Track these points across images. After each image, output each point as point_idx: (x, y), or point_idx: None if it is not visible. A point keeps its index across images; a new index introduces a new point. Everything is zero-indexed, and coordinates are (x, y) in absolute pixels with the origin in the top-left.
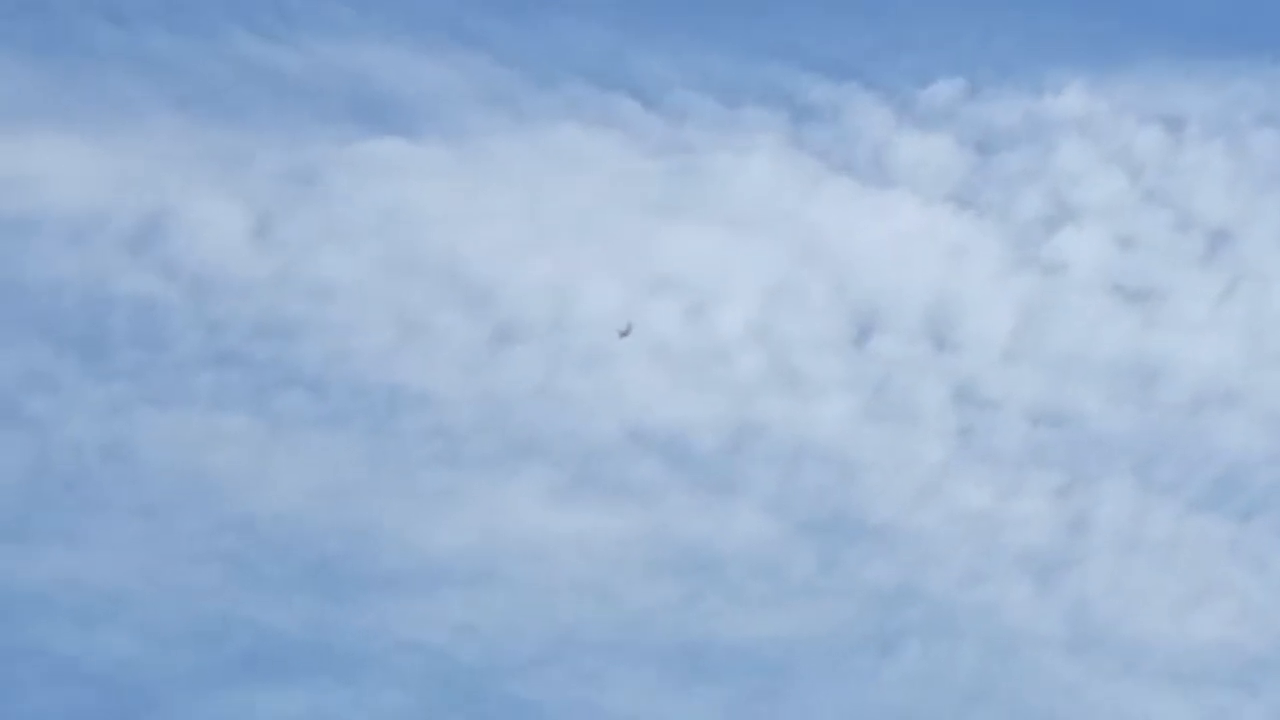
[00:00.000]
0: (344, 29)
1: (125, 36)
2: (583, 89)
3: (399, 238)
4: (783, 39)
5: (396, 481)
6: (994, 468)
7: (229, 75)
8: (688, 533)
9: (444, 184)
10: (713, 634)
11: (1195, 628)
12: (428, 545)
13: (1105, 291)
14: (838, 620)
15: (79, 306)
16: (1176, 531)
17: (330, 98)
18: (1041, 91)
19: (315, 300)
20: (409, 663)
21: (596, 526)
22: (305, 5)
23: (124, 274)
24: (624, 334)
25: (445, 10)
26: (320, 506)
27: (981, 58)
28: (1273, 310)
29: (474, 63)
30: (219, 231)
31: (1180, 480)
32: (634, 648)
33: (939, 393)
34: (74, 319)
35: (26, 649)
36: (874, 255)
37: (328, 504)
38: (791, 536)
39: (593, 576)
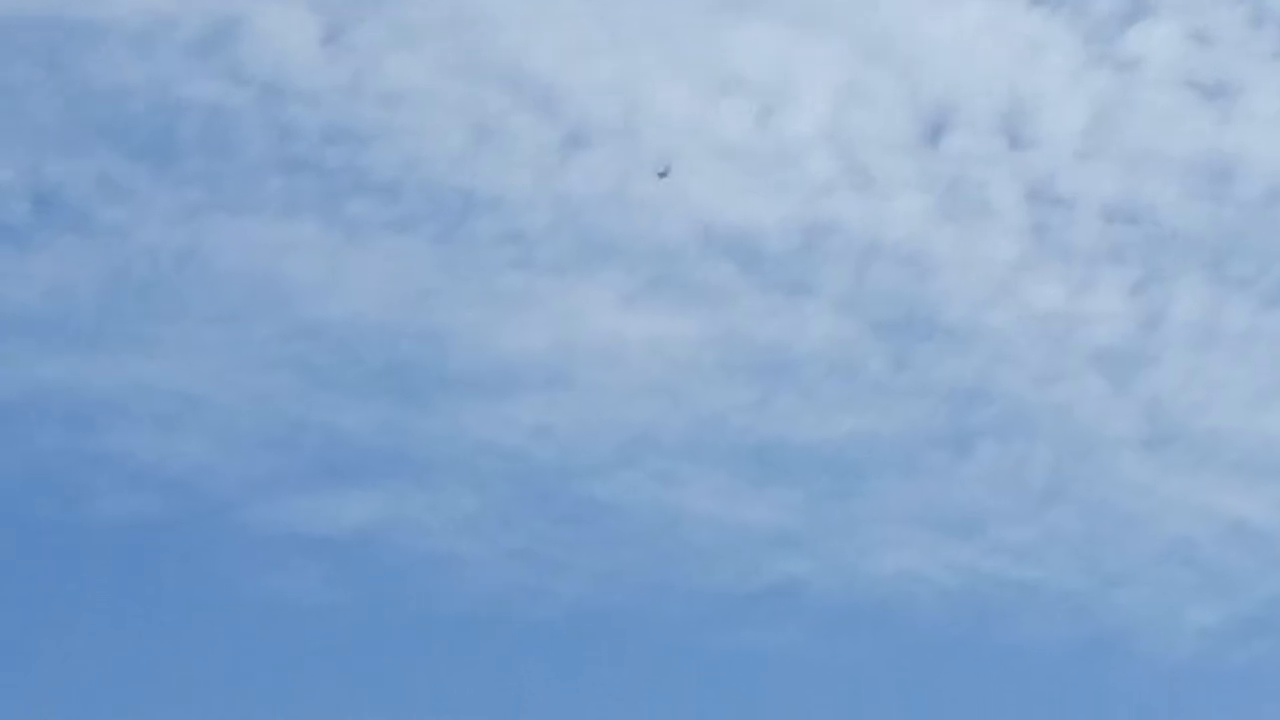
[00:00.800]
0: None
1: None
2: None
3: (468, 42)
4: None
5: (469, 286)
6: (1068, 265)
7: None
8: (760, 334)
9: None
10: (786, 434)
11: (1271, 422)
12: (501, 349)
13: (1180, 87)
14: (912, 420)
15: (148, 112)
16: (1251, 326)
17: None
18: None
19: (385, 106)
20: (484, 465)
21: (669, 329)
22: None
23: (193, 80)
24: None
25: None
26: (393, 311)
27: None
28: None
29: None
30: (288, 37)
31: (1255, 275)
32: (708, 449)
33: (1012, 191)
34: (143, 125)
35: (104, 455)
36: (945, 52)
37: (400, 309)
38: (864, 336)
39: (666, 379)
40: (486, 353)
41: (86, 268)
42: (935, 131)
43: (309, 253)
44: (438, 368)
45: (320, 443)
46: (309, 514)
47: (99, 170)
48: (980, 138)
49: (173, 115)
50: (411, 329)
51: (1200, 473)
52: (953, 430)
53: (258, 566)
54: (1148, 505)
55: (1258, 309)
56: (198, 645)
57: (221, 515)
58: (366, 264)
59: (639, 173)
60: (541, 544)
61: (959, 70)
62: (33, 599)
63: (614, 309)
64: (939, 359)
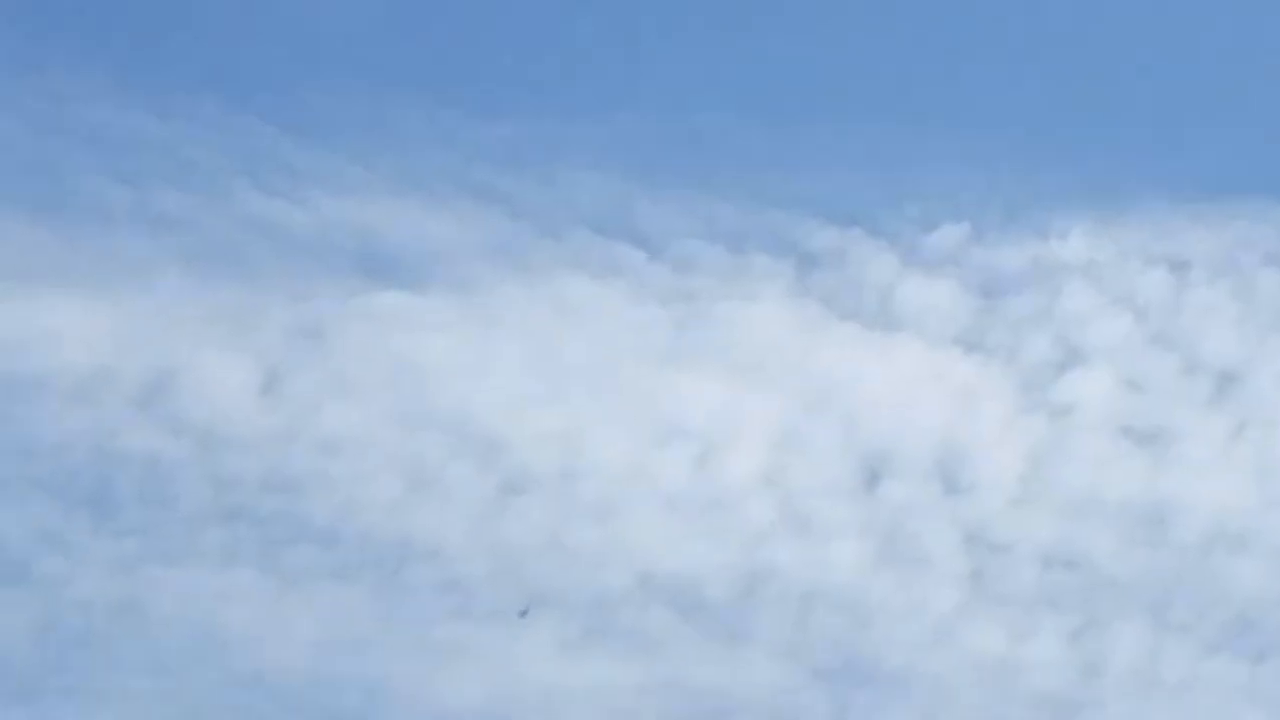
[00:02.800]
0: (350, 185)
1: (133, 195)
2: (589, 240)
3: (407, 391)
4: (787, 189)
5: (407, 635)
6: (1007, 611)
7: (236, 232)
8: (700, 681)
9: (451, 336)
10: None
11: None
12: (439, 699)
13: (1114, 434)
14: None
15: (87, 464)
16: (1191, 673)
17: (337, 253)
18: (1046, 236)
19: (323, 454)
20: None
21: (609, 677)
22: (312, 163)
23: (132, 431)
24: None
25: (450, 165)
26: (331, 661)
27: (985, 204)
28: None
29: (479, 216)
30: (227, 387)
31: (1193, 621)
32: None
33: (949, 537)
34: (82, 477)
35: None
36: (881, 400)
37: (339, 658)
38: (804, 683)
39: None
40: (424, 703)
41: (20, 619)
42: (872, 478)
43: (247, 602)
44: (376, 719)
45: None
46: None
47: (36, 522)
48: (917, 485)
49: (111, 467)
50: (350, 679)
51: None
52: None
53: None
54: None
55: (1197, 655)
56: None
57: None
58: (305, 613)
59: (577, 520)
60: None
61: (895, 418)
62: None
63: (553, 658)
64: (879, 705)
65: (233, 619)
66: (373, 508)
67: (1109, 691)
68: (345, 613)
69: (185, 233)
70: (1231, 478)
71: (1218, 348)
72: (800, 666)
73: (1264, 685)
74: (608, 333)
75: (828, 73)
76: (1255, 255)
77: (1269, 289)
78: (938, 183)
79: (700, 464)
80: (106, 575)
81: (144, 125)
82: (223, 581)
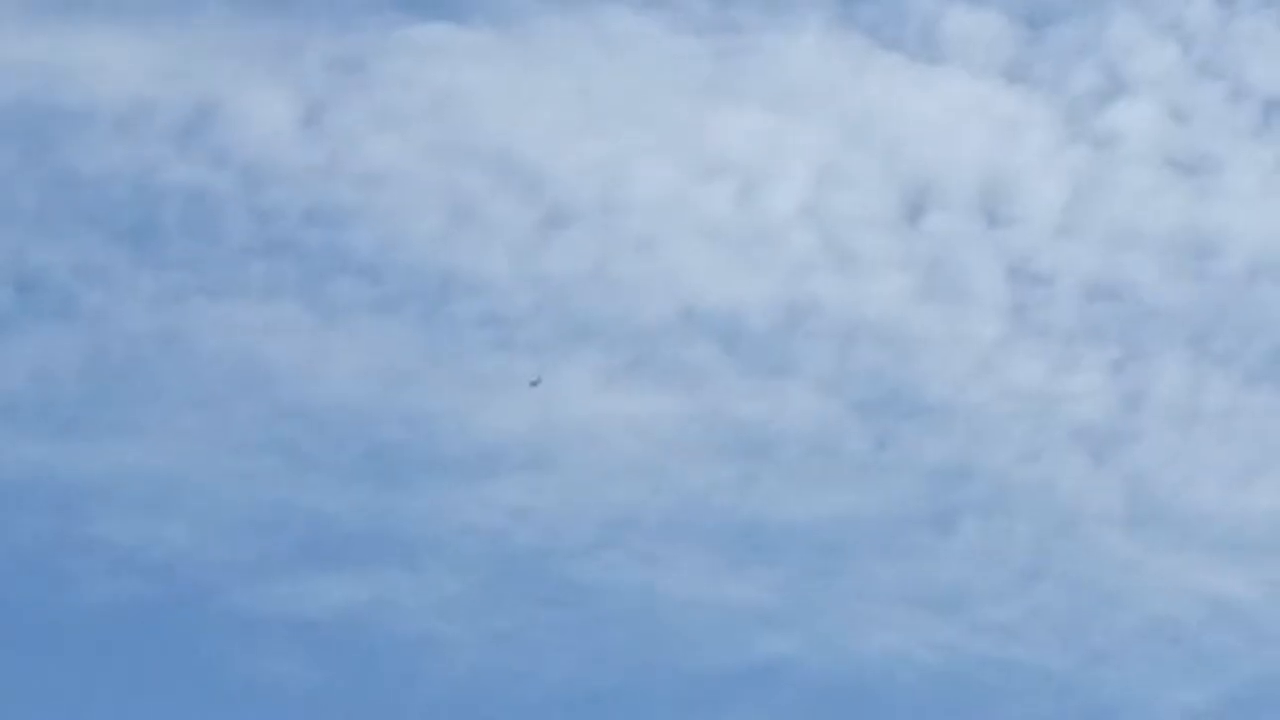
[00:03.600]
0: None
1: None
2: None
3: (448, 123)
4: None
5: (450, 367)
6: (1048, 343)
7: None
8: (742, 413)
9: (492, 68)
10: (769, 514)
11: (1253, 499)
12: (482, 431)
13: (1158, 164)
14: (894, 498)
15: (130, 197)
16: (1233, 403)
17: None
18: None
19: (366, 187)
20: (466, 547)
21: (651, 409)
22: None
23: (174, 164)
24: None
25: None
26: (375, 393)
27: None
28: None
29: None
30: (268, 120)
31: (1236, 352)
32: (690, 529)
33: (992, 269)
34: (125, 210)
35: (87, 540)
36: (925, 132)
37: (382, 390)
38: (846, 415)
39: (648, 459)
40: (467, 435)
41: (68, 352)
42: (915, 211)
43: (290, 335)
44: (419, 450)
45: (303, 526)
46: (292, 597)
47: (81, 255)
48: (960, 217)
49: (154, 200)
50: (393, 411)
51: (1183, 550)
52: (935, 509)
53: (241, 649)
54: (1130, 583)
55: (1239, 386)
56: None
57: (205, 599)
58: (348, 346)
59: (619, 253)
60: (524, 626)
61: (938, 150)
62: (15, 684)
63: (595, 389)
64: (920, 438)
65: (276, 351)
66: (415, 240)
67: (1149, 422)
68: (388, 345)
69: None
70: (1276, 207)
71: (1263, 76)
72: (841, 399)
73: None
74: (650, 64)
75: None
76: None
77: None
78: None
79: (742, 196)
80: (150, 308)
81: None
82: (266, 314)
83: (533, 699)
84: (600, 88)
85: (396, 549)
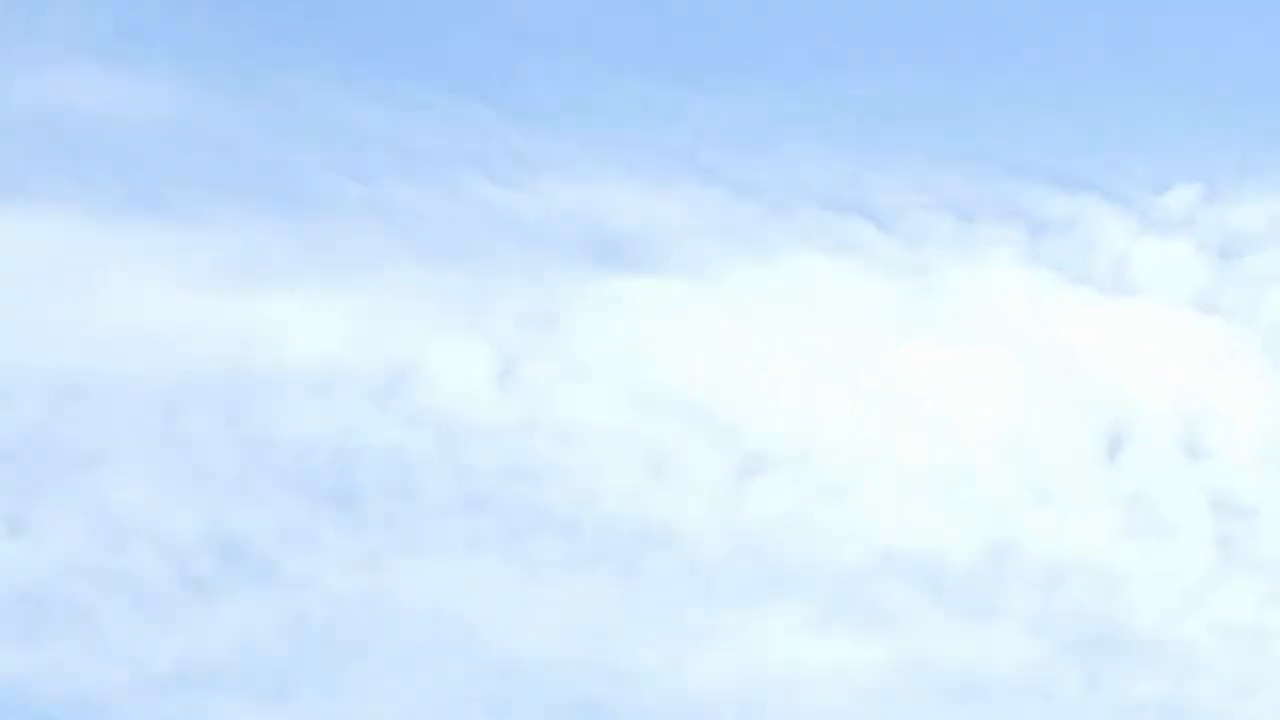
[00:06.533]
0: (579, 171)
1: (366, 190)
2: (819, 216)
3: (641, 374)
4: (1015, 155)
5: (651, 620)
6: (1257, 576)
7: (466, 221)
8: (948, 658)
9: (684, 318)
10: None
11: None
12: (685, 683)
13: None
14: None
15: (328, 459)
16: None
17: (568, 238)
18: None
19: (561, 442)
20: None
21: (854, 656)
22: (541, 150)
23: (372, 425)
24: None
25: (675, 144)
26: (577, 648)
27: (1218, 162)
28: None
29: (709, 196)
30: (464, 378)
31: None
32: None
33: (1195, 502)
34: (324, 472)
35: None
36: (1119, 365)
37: (584, 645)
38: (1054, 656)
39: (853, 708)
40: (670, 689)
41: (271, 617)
42: (1113, 445)
43: (491, 592)
44: (623, 705)
45: None
46: None
47: (281, 519)
48: (1159, 450)
49: (352, 461)
50: (596, 666)
51: None
52: None
53: None
54: None
55: None
56: None
57: None
58: (548, 601)
59: (816, 498)
60: None
61: (1133, 383)
62: None
63: (796, 638)
64: (1131, 676)
65: (477, 609)
66: (611, 494)
67: None
68: (588, 599)
69: (415, 224)
70: None
71: None
72: (1048, 639)
73: None
74: (841, 309)
75: (1048, 32)
76: None
77: None
78: (1168, 142)
79: (937, 437)
80: (352, 570)
81: (370, 117)
82: (467, 572)
83: None
84: (792, 333)
85: None
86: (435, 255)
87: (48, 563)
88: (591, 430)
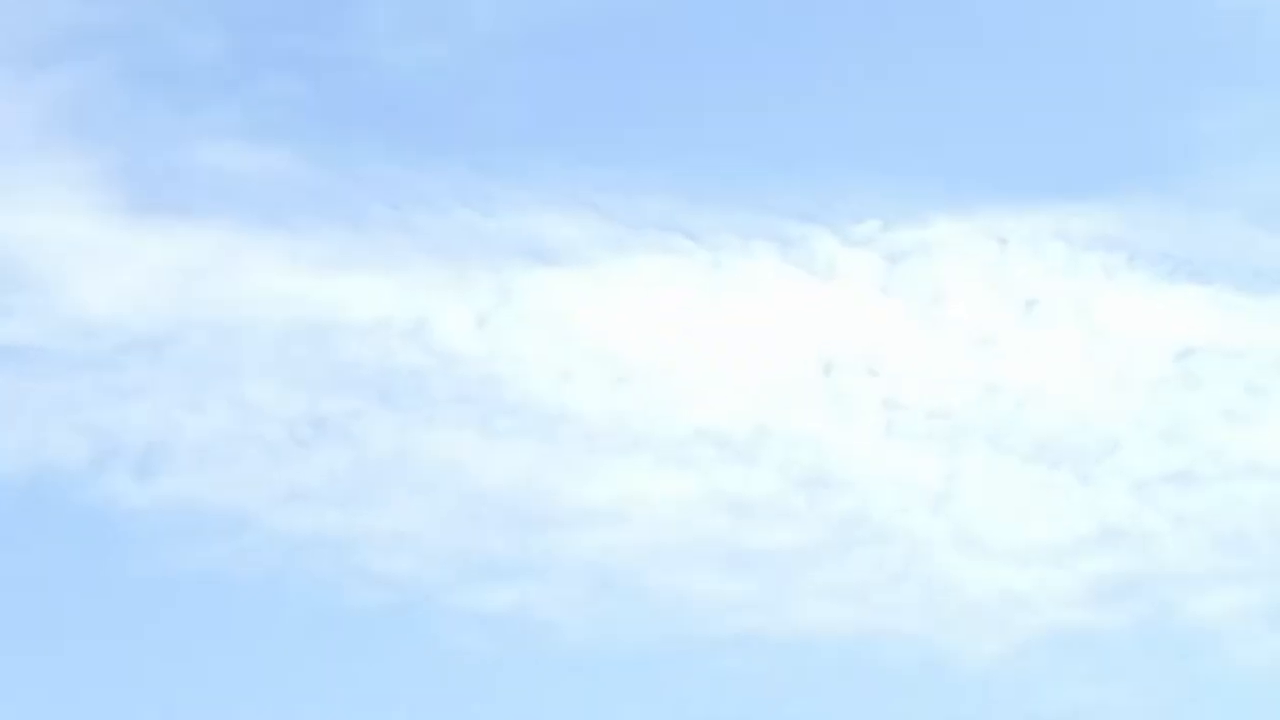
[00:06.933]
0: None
1: (400, 216)
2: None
3: (562, 328)
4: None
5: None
6: None
7: (458, 235)
8: None
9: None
10: None
11: None
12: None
13: None
14: None
15: (378, 372)
16: None
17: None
18: None
19: (516, 363)
20: None
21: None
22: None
23: (406, 352)
24: None
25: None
26: (531, 485)
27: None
28: None
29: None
30: (456, 326)
31: None
32: None
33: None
34: (376, 378)
35: None
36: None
37: (532, 483)
38: None
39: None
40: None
41: (344, 464)
42: (827, 369)
43: (469, 451)
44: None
45: None
46: None
47: (349, 406)
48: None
49: (394, 373)
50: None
51: None
52: None
53: None
54: None
55: None
56: None
57: None
58: (502, 451)
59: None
60: None
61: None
62: None
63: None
64: None
65: (462, 459)
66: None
67: None
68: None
69: (436, 238)
70: None
71: None
72: None
73: None
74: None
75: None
76: None
77: None
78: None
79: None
80: (390, 434)
81: (412, 177)
82: (455, 439)
83: None
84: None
85: None
86: (444, 255)
87: (213, 426)
88: (532, 358)
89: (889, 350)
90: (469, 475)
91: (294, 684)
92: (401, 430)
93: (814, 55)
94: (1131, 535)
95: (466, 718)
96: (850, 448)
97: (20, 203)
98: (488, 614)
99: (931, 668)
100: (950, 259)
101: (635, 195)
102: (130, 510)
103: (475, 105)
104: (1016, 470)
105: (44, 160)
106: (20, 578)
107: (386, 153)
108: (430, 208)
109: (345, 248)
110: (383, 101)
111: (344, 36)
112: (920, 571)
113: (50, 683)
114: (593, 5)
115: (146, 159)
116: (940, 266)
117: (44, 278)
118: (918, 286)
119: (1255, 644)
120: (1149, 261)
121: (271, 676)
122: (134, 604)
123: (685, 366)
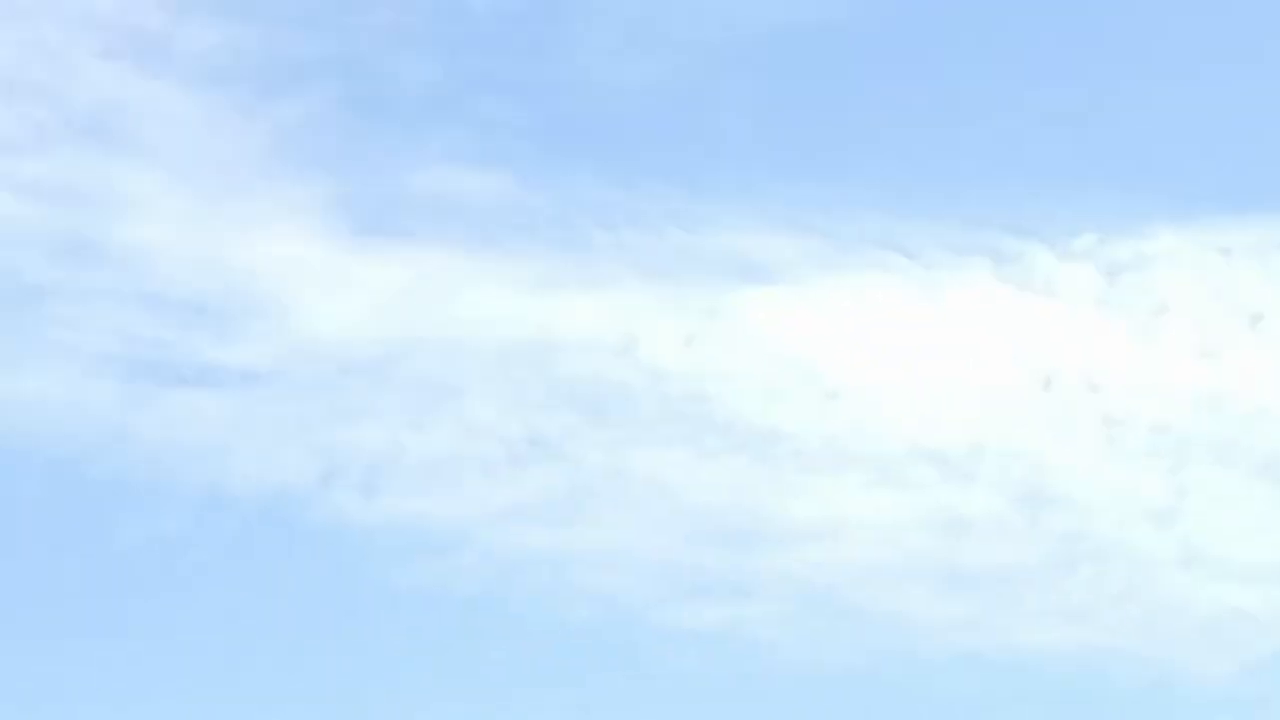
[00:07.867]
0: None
1: (600, 235)
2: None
3: (767, 345)
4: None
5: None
6: None
7: (665, 255)
8: None
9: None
10: None
11: None
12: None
13: None
14: None
15: (593, 387)
16: None
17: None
18: None
19: (721, 380)
20: None
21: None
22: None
23: (616, 370)
24: None
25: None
26: (738, 503)
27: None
28: None
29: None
30: (665, 345)
31: None
32: None
33: None
34: (590, 397)
35: None
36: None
37: (735, 498)
38: None
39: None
40: (778, 525)
41: (557, 480)
42: (1046, 384)
43: (680, 469)
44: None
45: None
46: None
47: (561, 422)
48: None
49: (606, 390)
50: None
51: None
52: None
53: None
54: None
55: None
56: None
57: None
58: (714, 469)
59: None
60: None
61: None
62: None
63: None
64: None
65: (675, 478)
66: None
67: None
68: (733, 469)
69: (637, 256)
70: None
71: None
72: None
73: None
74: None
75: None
76: None
77: None
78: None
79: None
80: (601, 451)
81: (608, 196)
82: (665, 454)
83: None
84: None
85: None
86: (656, 274)
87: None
88: (738, 375)
89: (1109, 365)
90: (680, 493)
91: (508, 699)
92: (613, 448)
93: (1028, 67)
94: None
95: None
96: (1071, 464)
97: (250, 231)
98: (699, 632)
99: (1157, 688)
100: (1171, 271)
101: (848, 212)
102: (357, 527)
103: (689, 124)
104: (1242, 486)
105: (271, 189)
106: (257, 593)
107: (601, 174)
108: (643, 227)
109: (560, 268)
110: (598, 122)
111: (559, 58)
112: (1144, 590)
113: (277, 688)
114: (802, 21)
115: (368, 185)
116: (1161, 279)
117: (274, 303)
118: (1138, 300)
119: None
120: None
121: (486, 691)
122: (359, 618)
123: (898, 384)
